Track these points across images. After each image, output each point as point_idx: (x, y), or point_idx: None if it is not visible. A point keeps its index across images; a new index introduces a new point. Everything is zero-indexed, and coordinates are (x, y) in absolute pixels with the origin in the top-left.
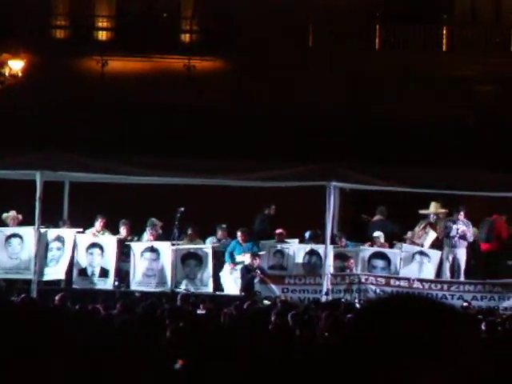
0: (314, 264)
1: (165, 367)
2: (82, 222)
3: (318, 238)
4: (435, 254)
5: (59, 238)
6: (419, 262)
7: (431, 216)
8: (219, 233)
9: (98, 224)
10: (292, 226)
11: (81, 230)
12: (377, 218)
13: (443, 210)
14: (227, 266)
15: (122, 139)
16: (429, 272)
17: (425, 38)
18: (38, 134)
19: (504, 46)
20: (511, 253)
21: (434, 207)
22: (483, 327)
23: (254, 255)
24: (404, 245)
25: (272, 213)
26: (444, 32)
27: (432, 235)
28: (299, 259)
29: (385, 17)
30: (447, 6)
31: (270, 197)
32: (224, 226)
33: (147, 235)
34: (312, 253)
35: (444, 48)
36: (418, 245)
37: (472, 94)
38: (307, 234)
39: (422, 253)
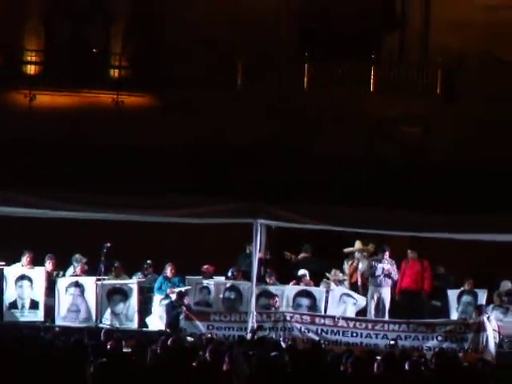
0: (233, 300)
1: None
2: (6, 256)
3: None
4: (361, 300)
5: None
6: (346, 303)
7: (356, 253)
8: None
9: (25, 259)
10: (220, 262)
11: (3, 263)
12: (302, 255)
13: (369, 247)
14: (157, 299)
15: (49, 174)
16: (354, 312)
17: (352, 77)
18: None
19: (431, 88)
20: (435, 293)
21: (358, 244)
22: (407, 367)
23: (182, 294)
24: (332, 284)
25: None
26: (372, 72)
27: (364, 264)
28: (220, 295)
29: (313, 55)
30: (375, 46)
31: (198, 232)
32: (149, 261)
33: (72, 271)
34: (231, 289)
35: (371, 88)
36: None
37: (398, 134)
38: (230, 272)
39: (348, 295)
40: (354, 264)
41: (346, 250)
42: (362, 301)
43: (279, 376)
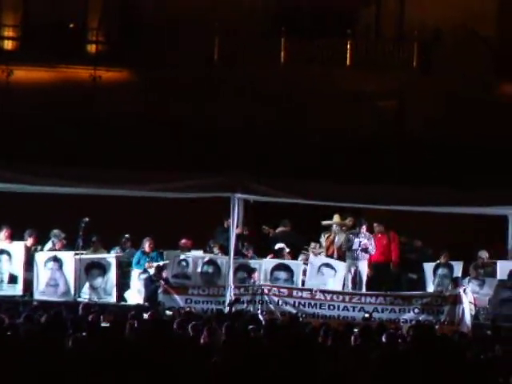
0: (211, 274)
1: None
2: None
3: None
4: (341, 266)
5: None
6: (324, 275)
7: (334, 227)
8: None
9: (3, 234)
10: (199, 236)
11: None
12: (280, 229)
13: (347, 222)
14: (135, 274)
15: (27, 149)
16: (335, 285)
17: (329, 53)
18: None
19: (407, 62)
20: (412, 266)
21: (336, 218)
22: (384, 339)
23: (160, 268)
24: (311, 256)
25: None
26: (348, 47)
27: (341, 237)
28: (198, 269)
29: (290, 31)
30: (351, 21)
31: (176, 207)
32: (127, 235)
33: (50, 245)
34: (209, 263)
35: (348, 62)
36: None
37: (375, 109)
38: (208, 246)
39: (327, 265)
40: (331, 237)
41: (324, 222)
42: (341, 269)
43: (250, 348)
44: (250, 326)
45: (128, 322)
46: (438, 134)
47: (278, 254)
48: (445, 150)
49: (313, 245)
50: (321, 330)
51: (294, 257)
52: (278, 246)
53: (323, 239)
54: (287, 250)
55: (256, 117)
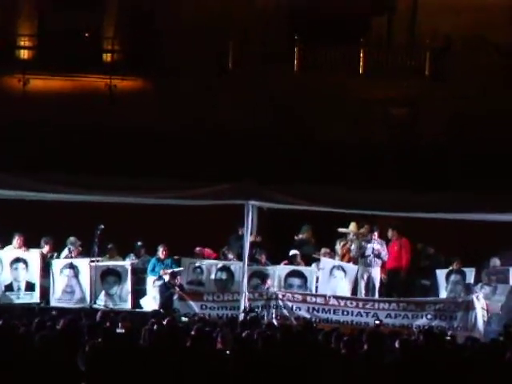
0: (225, 280)
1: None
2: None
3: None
4: (352, 270)
5: None
6: (336, 277)
7: (351, 235)
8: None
9: (16, 242)
10: (213, 244)
11: None
12: (300, 236)
13: (363, 230)
14: (150, 280)
15: (43, 157)
16: (345, 287)
17: (342, 61)
18: None
19: (419, 69)
20: (425, 272)
21: (353, 227)
22: (397, 345)
23: (174, 274)
24: (322, 259)
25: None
26: (361, 55)
27: (356, 245)
28: (212, 275)
29: (304, 39)
30: (364, 29)
31: (190, 214)
32: (139, 243)
33: (67, 253)
34: (223, 269)
35: (360, 70)
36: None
37: (387, 116)
38: (221, 253)
39: (339, 267)
40: (347, 246)
41: (341, 230)
42: (351, 271)
43: (258, 357)
44: (266, 333)
45: (144, 329)
46: (450, 141)
47: (293, 260)
48: (457, 156)
49: (323, 250)
50: (332, 335)
51: (307, 264)
52: (292, 252)
53: (338, 246)
54: (299, 258)
55: (268, 123)
